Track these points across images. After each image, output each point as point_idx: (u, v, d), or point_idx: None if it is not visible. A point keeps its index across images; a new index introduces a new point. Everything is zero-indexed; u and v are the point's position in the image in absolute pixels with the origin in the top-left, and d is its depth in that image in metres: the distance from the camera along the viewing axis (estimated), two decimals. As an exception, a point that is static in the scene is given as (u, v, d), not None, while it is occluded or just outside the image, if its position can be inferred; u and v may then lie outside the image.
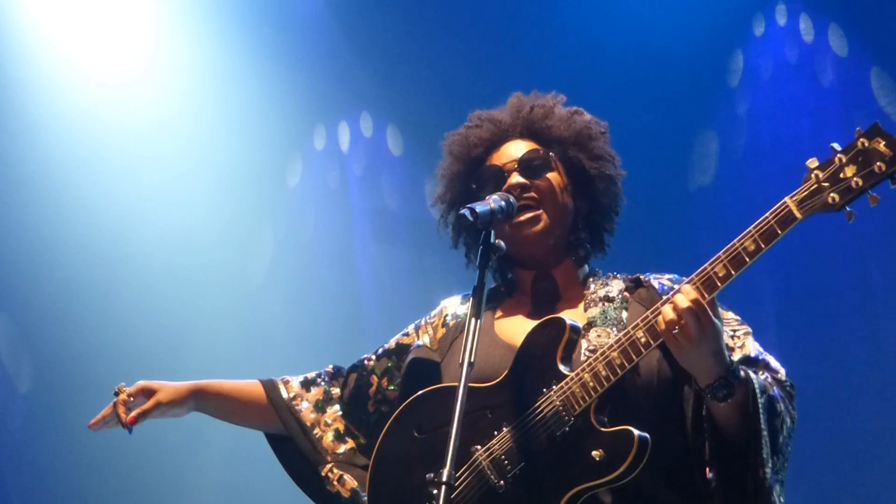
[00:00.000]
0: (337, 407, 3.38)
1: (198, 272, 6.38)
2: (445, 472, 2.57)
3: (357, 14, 6.65)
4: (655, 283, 3.10)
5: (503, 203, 2.97)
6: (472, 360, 2.68)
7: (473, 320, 2.74)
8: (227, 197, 6.48)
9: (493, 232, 2.88)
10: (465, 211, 2.85)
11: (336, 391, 3.40)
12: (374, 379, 3.35)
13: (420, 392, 3.09)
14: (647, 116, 6.11)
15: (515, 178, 3.14)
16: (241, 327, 6.37)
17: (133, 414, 3.26)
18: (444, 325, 3.27)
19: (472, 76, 6.32)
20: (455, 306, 3.31)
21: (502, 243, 2.89)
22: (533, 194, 3.13)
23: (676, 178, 6.23)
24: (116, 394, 3.27)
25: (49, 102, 6.30)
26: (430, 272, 6.36)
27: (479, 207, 2.88)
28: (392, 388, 3.32)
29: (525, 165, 3.16)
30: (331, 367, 3.46)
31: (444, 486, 2.57)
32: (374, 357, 3.39)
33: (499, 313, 3.22)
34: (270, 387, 3.40)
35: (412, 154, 6.62)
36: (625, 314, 3.03)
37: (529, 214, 3.11)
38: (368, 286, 6.62)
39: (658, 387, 2.94)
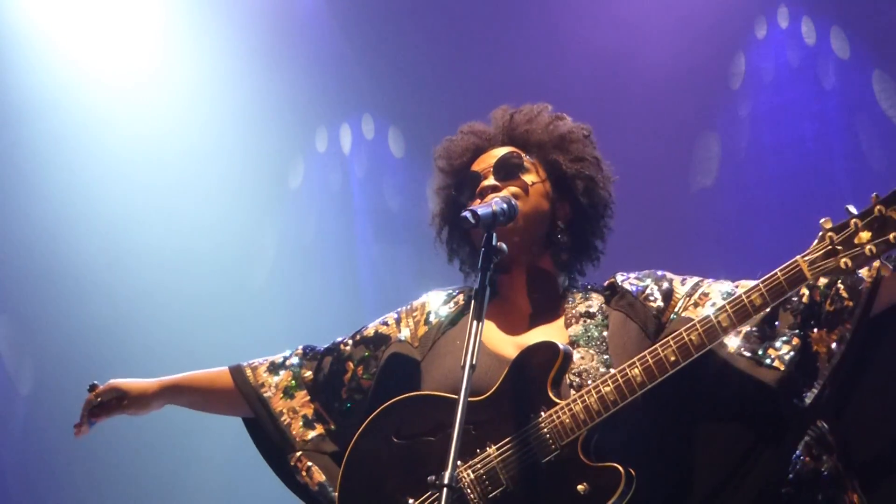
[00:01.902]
0: (305, 391, 3.36)
1: (200, 274, 6.38)
2: (447, 474, 2.55)
3: (358, 17, 6.65)
4: (628, 286, 3.09)
5: (505, 206, 2.96)
6: (473, 362, 2.67)
7: (475, 323, 2.72)
8: (229, 199, 6.48)
9: (494, 235, 2.86)
10: (466, 213, 2.83)
11: (308, 374, 3.38)
12: (350, 366, 3.32)
13: (402, 396, 3.06)
14: (649, 118, 6.10)
15: (487, 181, 3.14)
16: (243, 328, 6.37)
17: (95, 410, 3.37)
18: (427, 322, 3.25)
19: (473, 78, 6.32)
20: (438, 304, 3.29)
21: (504, 245, 2.87)
22: (504, 195, 3.10)
23: (678, 179, 6.23)
24: (90, 389, 3.37)
25: (50, 105, 6.31)
26: (432, 273, 6.34)
27: (481, 210, 2.87)
28: (367, 377, 3.28)
29: (499, 168, 3.16)
30: (300, 348, 3.45)
31: (445, 489, 2.55)
32: (350, 342, 3.35)
33: (487, 319, 3.19)
34: (238, 374, 3.40)
35: (414, 156, 6.62)
36: (606, 333, 3.02)
37: None
38: (370, 287, 6.62)
39: (641, 411, 2.91)
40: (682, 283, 3.06)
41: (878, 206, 2.67)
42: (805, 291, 2.88)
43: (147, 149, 6.40)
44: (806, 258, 2.72)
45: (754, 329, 2.90)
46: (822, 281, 2.85)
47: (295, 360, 3.42)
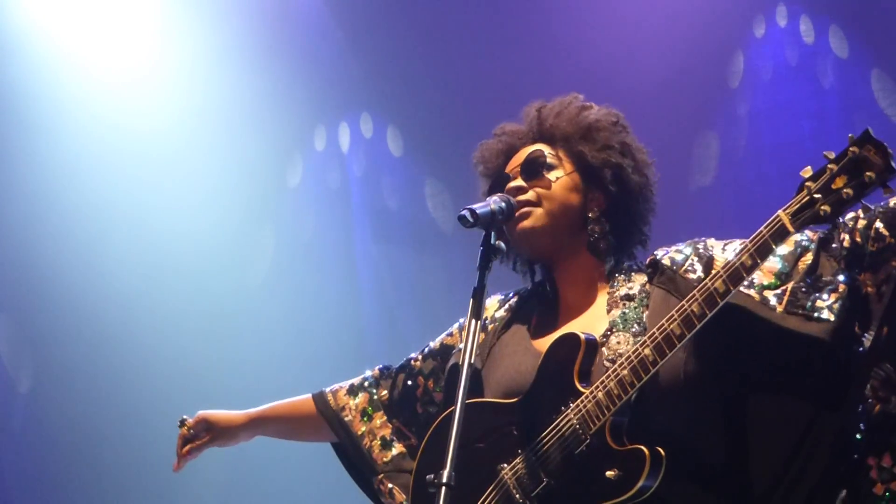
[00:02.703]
0: (382, 411, 3.41)
1: (199, 272, 6.38)
2: (445, 472, 2.57)
3: (357, 15, 6.65)
4: (668, 261, 3.05)
5: (503, 204, 2.96)
6: (472, 361, 2.68)
7: (473, 322, 2.73)
8: (228, 198, 6.49)
9: (493, 233, 2.87)
10: (464, 212, 2.84)
11: (384, 393, 3.42)
12: (421, 380, 3.37)
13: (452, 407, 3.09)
14: (647, 117, 6.07)
15: (514, 182, 3.13)
16: (241, 327, 6.38)
17: (186, 449, 3.41)
18: (485, 329, 3.22)
19: (472, 77, 6.32)
20: (494, 310, 3.28)
21: (502, 244, 2.88)
22: (530, 195, 3.11)
23: (677, 178, 6.22)
24: (180, 425, 3.41)
25: (49, 104, 6.31)
26: (431, 272, 6.37)
27: (480, 209, 2.87)
28: (437, 389, 3.33)
29: (526, 168, 3.15)
30: (377, 369, 3.48)
31: (444, 488, 2.57)
32: (420, 357, 3.40)
33: (534, 318, 3.19)
34: (320, 399, 3.46)
35: (412, 154, 6.62)
36: (646, 314, 2.99)
37: (522, 211, 3.08)
38: (369, 286, 6.63)
39: (685, 389, 2.89)
40: (722, 251, 3.02)
41: (851, 148, 2.63)
42: (845, 236, 2.83)
43: (145, 147, 6.41)
44: (787, 211, 2.71)
45: (801, 284, 2.85)
46: (862, 223, 2.81)
47: (371, 381, 3.47)
